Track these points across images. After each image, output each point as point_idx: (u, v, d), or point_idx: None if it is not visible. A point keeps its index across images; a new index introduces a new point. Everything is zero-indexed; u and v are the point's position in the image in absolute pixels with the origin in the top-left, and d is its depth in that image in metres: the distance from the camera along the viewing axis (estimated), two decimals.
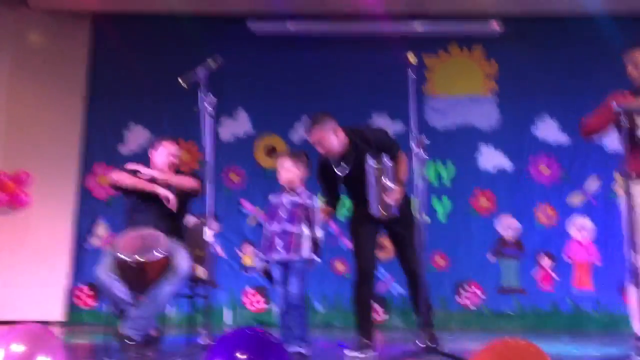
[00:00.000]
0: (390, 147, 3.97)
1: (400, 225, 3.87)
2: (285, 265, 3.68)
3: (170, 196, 3.95)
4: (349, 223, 4.17)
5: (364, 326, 3.94)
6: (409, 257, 3.89)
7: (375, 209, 3.77)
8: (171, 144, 4.24)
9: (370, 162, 3.73)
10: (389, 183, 3.59)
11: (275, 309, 6.60)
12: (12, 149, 6.57)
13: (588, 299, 6.56)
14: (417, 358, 3.23)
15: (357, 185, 3.90)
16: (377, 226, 4.02)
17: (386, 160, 3.65)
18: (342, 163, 3.97)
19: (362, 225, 4.02)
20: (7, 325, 5.73)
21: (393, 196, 3.72)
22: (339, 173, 3.99)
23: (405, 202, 3.96)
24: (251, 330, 1.76)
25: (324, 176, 4.11)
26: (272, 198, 3.81)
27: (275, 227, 3.70)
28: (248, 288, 6.74)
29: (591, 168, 6.79)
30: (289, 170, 3.78)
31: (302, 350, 3.55)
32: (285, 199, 3.75)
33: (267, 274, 3.78)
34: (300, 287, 3.64)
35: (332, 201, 4.16)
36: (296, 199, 3.75)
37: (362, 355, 3.76)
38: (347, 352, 3.83)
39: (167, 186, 4.03)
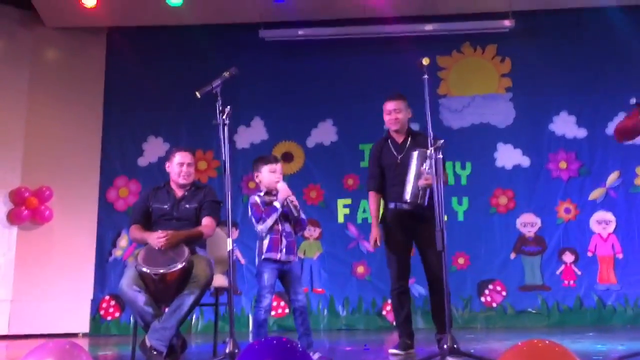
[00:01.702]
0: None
1: (429, 232, 3.86)
2: (279, 269, 3.68)
3: (162, 241, 3.81)
4: (382, 229, 4.27)
5: (404, 329, 4.16)
6: (432, 262, 3.96)
7: (408, 193, 3.92)
8: (184, 154, 4.19)
9: (417, 150, 3.91)
10: (427, 169, 3.71)
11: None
12: (34, 165, 6.67)
13: (612, 293, 6.50)
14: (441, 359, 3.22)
15: (399, 173, 4.06)
16: (408, 234, 4.17)
17: (431, 153, 3.70)
18: (397, 147, 4.25)
19: (394, 236, 4.18)
20: (35, 338, 5.82)
21: (426, 181, 3.82)
22: (394, 152, 4.22)
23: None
24: (277, 339, 1.78)
25: (377, 156, 4.31)
26: (261, 198, 3.78)
27: (278, 226, 3.69)
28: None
29: (611, 162, 6.74)
30: (281, 174, 3.86)
31: (322, 355, 3.59)
32: (277, 201, 3.74)
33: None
34: (304, 294, 3.76)
35: (377, 184, 4.30)
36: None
37: (404, 353, 4.02)
38: (390, 350, 4.09)
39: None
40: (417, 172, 3.88)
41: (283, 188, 3.70)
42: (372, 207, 4.32)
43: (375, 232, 4.20)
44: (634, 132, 3.71)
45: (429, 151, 3.63)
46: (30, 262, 6.48)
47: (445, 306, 3.43)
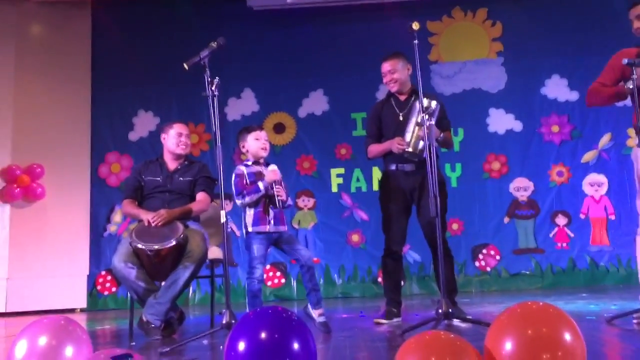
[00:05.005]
0: (444, 117, 4.07)
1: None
2: (269, 239, 3.67)
3: (157, 221, 3.80)
4: (380, 193, 4.20)
5: (392, 296, 4.08)
6: (432, 228, 3.84)
7: (408, 133, 3.85)
8: (182, 125, 4.21)
9: (419, 102, 3.69)
10: (428, 119, 3.51)
11: (293, 283, 6.68)
12: (23, 142, 6.60)
13: (605, 254, 6.56)
14: (437, 324, 3.25)
15: (401, 130, 3.96)
16: (408, 201, 4.09)
17: (435, 104, 3.61)
18: (399, 105, 4.15)
19: (394, 200, 4.08)
20: (33, 315, 5.84)
21: (426, 131, 3.59)
22: (396, 109, 4.12)
23: (440, 181, 3.94)
24: (273, 309, 1.78)
25: (378, 115, 4.21)
26: (248, 169, 3.74)
27: (264, 199, 3.67)
28: (267, 264, 6.79)
29: (603, 124, 6.74)
30: (267, 141, 3.82)
31: (326, 320, 3.61)
32: (261, 182, 3.70)
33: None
34: (305, 249, 3.78)
35: (375, 141, 4.20)
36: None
37: (388, 322, 3.92)
38: (376, 320, 3.98)
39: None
40: (418, 122, 3.73)
41: (272, 170, 3.65)
42: (378, 148, 4.11)
43: (394, 140, 3.95)
44: (611, 98, 3.72)
45: (425, 101, 3.52)
46: (24, 239, 6.47)
47: (440, 271, 3.43)
